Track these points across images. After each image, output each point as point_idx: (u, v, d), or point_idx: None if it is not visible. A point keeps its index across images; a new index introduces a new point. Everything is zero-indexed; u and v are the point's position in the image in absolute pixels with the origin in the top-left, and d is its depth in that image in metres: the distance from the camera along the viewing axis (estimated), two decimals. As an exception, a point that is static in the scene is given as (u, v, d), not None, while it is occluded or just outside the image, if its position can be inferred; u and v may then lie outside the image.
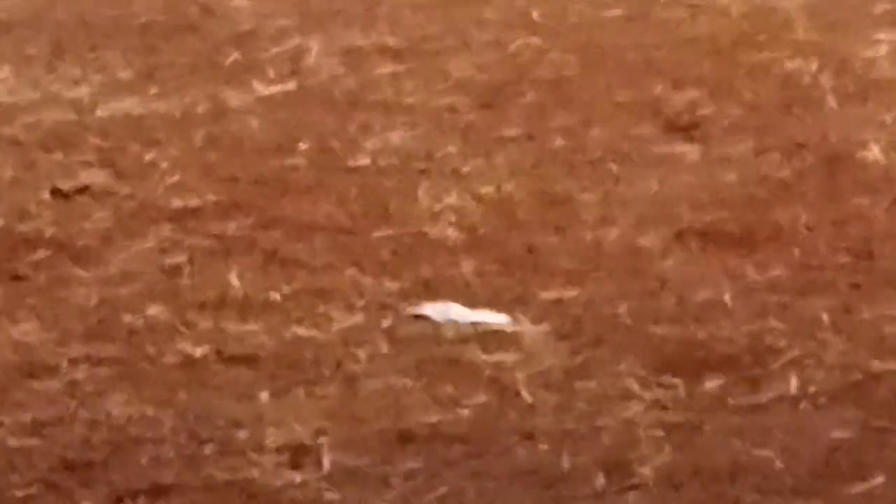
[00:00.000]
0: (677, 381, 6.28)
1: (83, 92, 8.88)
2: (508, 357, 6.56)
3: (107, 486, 5.88)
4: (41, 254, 7.37)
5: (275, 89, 8.76)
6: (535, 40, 9.16)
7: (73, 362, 6.56)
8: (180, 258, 7.35)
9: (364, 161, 8.01)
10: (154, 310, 6.82)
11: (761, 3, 9.36)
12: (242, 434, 5.98)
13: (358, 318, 6.90)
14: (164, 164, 8.09)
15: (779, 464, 5.68)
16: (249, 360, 6.46)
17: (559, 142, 8.22)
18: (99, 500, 5.80)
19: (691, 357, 6.43)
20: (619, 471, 5.90)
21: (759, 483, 5.62)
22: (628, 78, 8.80)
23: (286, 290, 7.00)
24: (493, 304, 6.90)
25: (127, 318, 6.86)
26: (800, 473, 5.59)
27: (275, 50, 9.17)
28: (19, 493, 5.83)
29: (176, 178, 7.97)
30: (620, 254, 7.24)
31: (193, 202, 7.72)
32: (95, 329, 6.80)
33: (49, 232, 7.56)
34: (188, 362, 6.51)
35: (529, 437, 5.98)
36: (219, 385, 6.32)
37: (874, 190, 7.78)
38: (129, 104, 8.57)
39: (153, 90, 8.75)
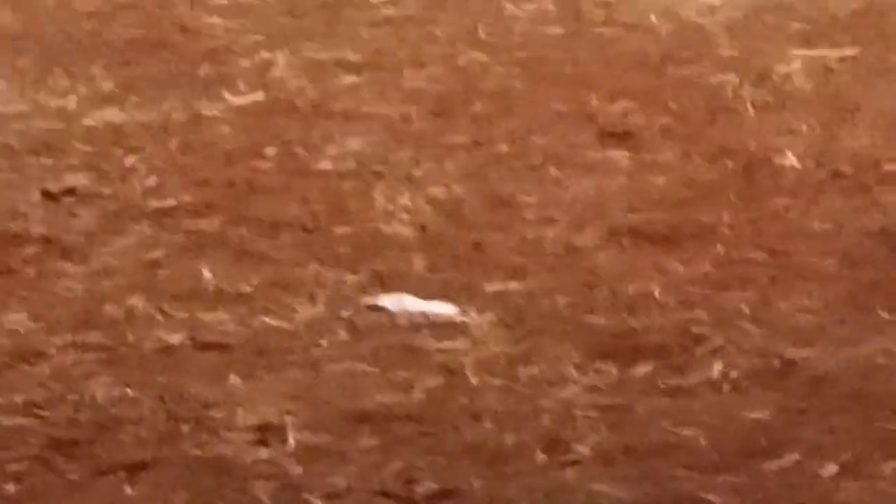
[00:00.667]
0: (611, 366, 6.33)
1: (70, 102, 8.93)
2: (457, 344, 6.60)
3: (91, 462, 5.88)
4: (31, 249, 7.40)
5: (245, 100, 8.79)
6: (481, 55, 9.21)
7: (61, 349, 6.58)
8: (158, 253, 7.41)
9: (326, 165, 8.05)
10: (134, 301, 6.90)
11: (687, 22, 9.40)
12: (215, 414, 6.04)
13: (320, 308, 6.97)
14: (143, 168, 8.17)
15: (703, 442, 5.72)
16: (221, 347, 6.59)
17: (503, 148, 8.28)
18: (84, 475, 5.80)
19: (624, 345, 6.52)
20: (558, 448, 5.92)
21: (686, 459, 5.65)
22: (567, 90, 8.84)
23: (255, 282, 7.08)
24: (443, 295, 6.93)
25: (109, 308, 6.90)
26: (722, 451, 5.65)
27: (244, 63, 9.19)
28: (13, 468, 5.83)
29: (154, 180, 8.03)
30: (559, 251, 7.29)
31: (170, 202, 7.79)
32: (81, 318, 6.83)
33: (39, 230, 7.60)
34: (165, 349, 6.56)
35: (476, 417, 6.01)
36: (193, 369, 6.44)
37: (789, 193, 7.84)
38: (111, 113, 8.61)
39: (133, 100, 8.77)
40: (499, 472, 5.82)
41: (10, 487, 5.83)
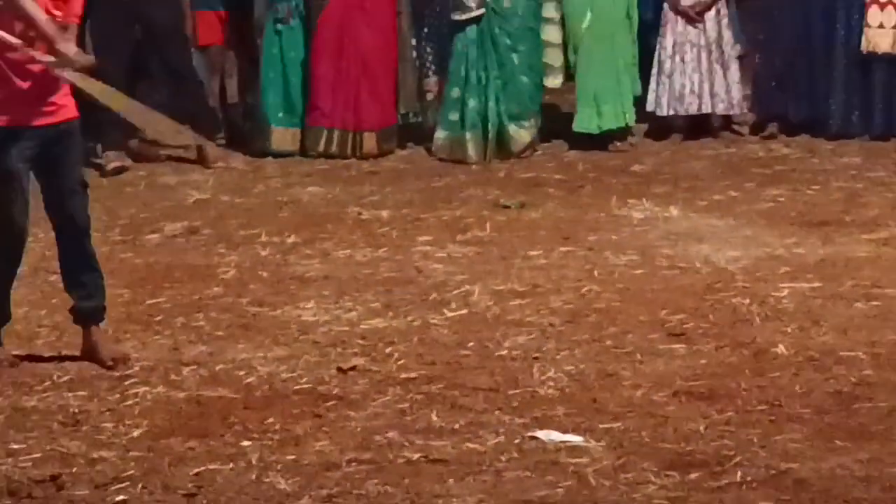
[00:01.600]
0: (675, 473, 6.42)
1: (353, 315, 8.97)
2: (582, 460, 6.60)
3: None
4: (331, 402, 7.47)
5: (456, 313, 8.74)
6: (595, 286, 9.15)
7: (348, 462, 6.70)
8: (405, 405, 7.49)
9: (503, 352, 8.00)
10: (391, 434, 7.00)
11: (718, 266, 9.35)
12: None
13: (501, 438, 6.74)
14: (396, 354, 8.13)
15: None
16: (443, 462, 6.66)
17: (609, 342, 8.35)
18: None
19: (683, 460, 6.67)
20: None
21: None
22: (647, 307, 8.74)
23: (461, 422, 7.10)
24: (574, 430, 6.96)
25: (378, 438, 6.97)
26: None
27: (455, 292, 9.14)
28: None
29: (402, 361, 8.04)
30: (643, 403, 7.32)
31: (412, 374, 7.83)
32: (361, 445, 6.89)
33: (335, 391, 7.68)
34: (408, 462, 6.63)
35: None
36: (426, 478, 6.45)
37: (781, 369, 7.87)
38: (377, 321, 8.57)
39: (391, 313, 8.67)
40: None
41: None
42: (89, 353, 8.15)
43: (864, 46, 13.30)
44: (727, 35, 13.57)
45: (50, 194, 8.01)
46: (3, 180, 7.86)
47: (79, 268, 8.19)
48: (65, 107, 8.01)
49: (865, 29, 13.28)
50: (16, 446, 6.96)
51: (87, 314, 8.19)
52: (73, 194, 8.07)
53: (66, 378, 7.87)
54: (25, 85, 7.87)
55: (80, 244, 8.15)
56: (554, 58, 13.66)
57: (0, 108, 7.87)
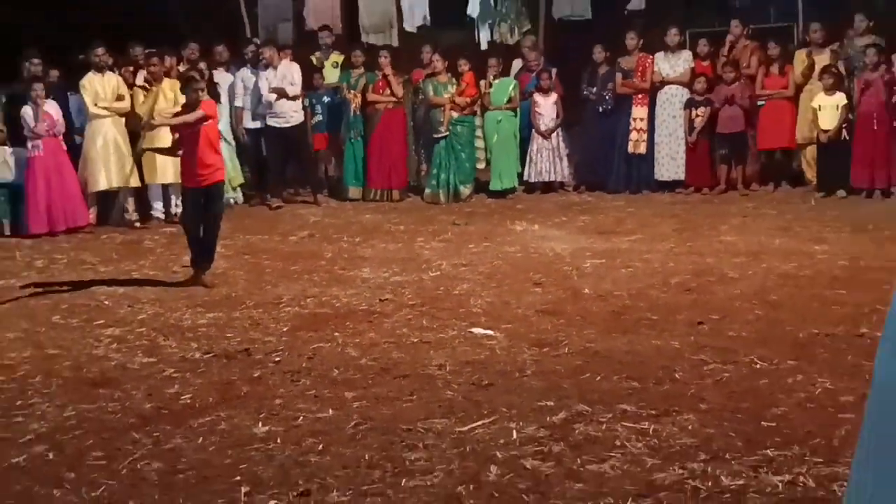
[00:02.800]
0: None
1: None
2: (493, 342, 6.66)
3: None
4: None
5: (435, 273, 8.76)
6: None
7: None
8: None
9: (457, 292, 8.17)
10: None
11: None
12: None
13: (455, 332, 6.99)
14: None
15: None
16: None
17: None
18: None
19: None
20: None
21: None
22: (524, 272, 8.78)
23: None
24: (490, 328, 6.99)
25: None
26: None
27: (434, 263, 9.05)
28: None
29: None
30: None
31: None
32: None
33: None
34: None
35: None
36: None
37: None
38: None
39: (403, 274, 8.85)
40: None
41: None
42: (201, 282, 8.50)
43: (630, 149, 13.25)
44: (562, 144, 13.56)
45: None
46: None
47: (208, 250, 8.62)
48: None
49: (630, 140, 13.23)
50: (229, 334, 7.04)
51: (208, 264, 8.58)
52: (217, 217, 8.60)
53: (252, 303, 7.92)
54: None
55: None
56: (481, 154, 13.69)
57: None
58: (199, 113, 8.15)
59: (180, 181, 11.65)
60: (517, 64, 13.99)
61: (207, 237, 8.44)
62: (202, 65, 12.50)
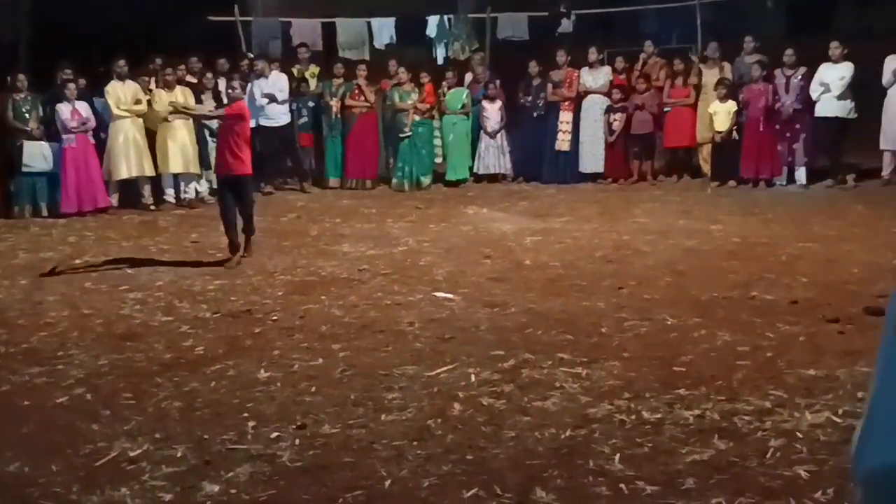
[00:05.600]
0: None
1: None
2: (452, 304, 6.63)
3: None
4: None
5: (403, 248, 8.75)
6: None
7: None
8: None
9: (422, 263, 8.16)
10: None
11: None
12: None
13: (421, 296, 6.98)
14: None
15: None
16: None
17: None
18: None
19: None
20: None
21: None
22: (475, 247, 8.81)
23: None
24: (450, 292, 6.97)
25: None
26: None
27: (402, 240, 9.05)
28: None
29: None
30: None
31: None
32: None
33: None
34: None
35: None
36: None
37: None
38: None
39: (377, 248, 8.83)
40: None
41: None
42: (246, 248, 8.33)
43: (556, 147, 13.24)
44: (505, 143, 13.51)
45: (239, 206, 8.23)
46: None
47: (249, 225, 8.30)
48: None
49: (557, 140, 13.24)
50: (233, 298, 6.99)
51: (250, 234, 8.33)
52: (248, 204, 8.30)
53: (252, 272, 7.84)
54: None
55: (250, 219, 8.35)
56: (438, 151, 13.64)
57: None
58: (219, 112, 8.15)
59: (192, 171, 11.81)
60: (468, 77, 13.96)
61: (244, 216, 8.21)
62: (209, 74, 12.37)
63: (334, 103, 13.19)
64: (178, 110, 8.82)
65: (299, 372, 5.12)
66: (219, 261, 8.27)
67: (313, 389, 4.81)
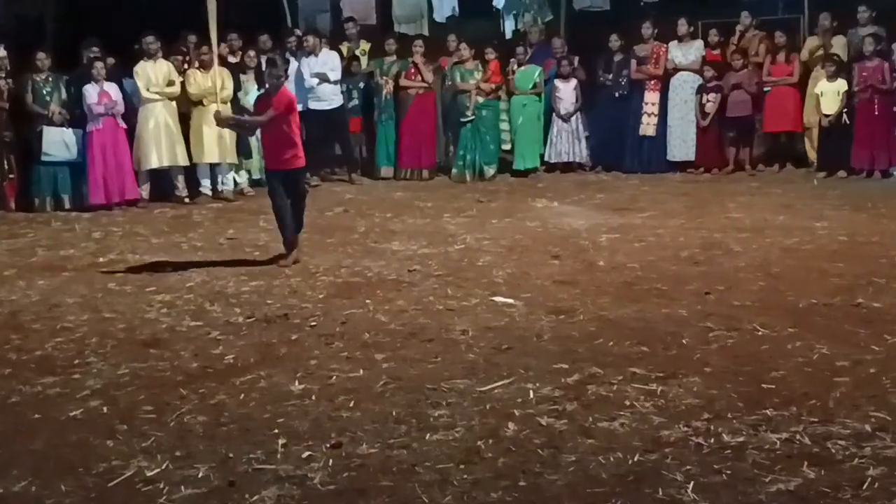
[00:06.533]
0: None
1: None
2: (513, 310, 6.68)
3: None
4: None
5: (460, 246, 8.77)
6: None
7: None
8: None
9: (480, 263, 8.21)
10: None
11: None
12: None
13: (478, 300, 6.99)
14: None
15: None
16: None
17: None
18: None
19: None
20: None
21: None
22: (543, 245, 8.77)
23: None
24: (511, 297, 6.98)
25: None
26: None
27: (459, 237, 9.07)
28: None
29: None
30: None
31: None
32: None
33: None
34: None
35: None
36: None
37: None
38: None
39: (431, 246, 8.87)
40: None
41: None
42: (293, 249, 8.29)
43: (640, 132, 13.20)
44: (580, 127, 13.49)
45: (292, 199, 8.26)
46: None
47: (298, 221, 8.35)
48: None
49: (641, 124, 13.16)
50: (269, 301, 7.07)
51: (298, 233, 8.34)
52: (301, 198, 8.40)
53: (291, 272, 7.93)
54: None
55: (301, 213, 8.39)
56: (505, 137, 13.65)
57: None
58: (269, 114, 7.96)
59: (230, 161, 11.93)
60: (540, 52, 13.88)
61: (296, 212, 8.23)
62: (251, 52, 12.44)
63: (386, 84, 13.22)
64: (221, 122, 8.59)
65: (337, 384, 5.15)
66: (256, 260, 8.40)
67: (351, 404, 4.83)
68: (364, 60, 13.68)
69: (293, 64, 12.81)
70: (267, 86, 8.44)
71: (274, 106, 7.96)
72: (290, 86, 12.38)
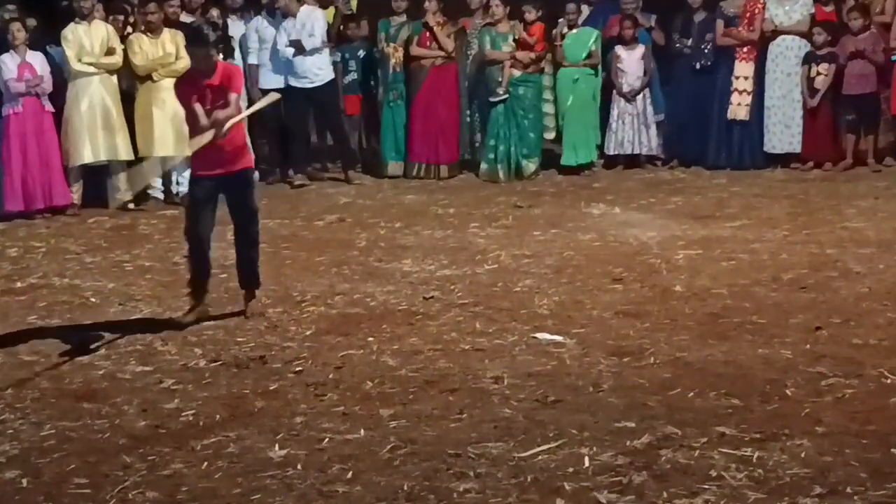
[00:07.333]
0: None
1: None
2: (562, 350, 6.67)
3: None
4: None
5: (491, 267, 8.78)
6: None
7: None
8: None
9: (517, 289, 8.19)
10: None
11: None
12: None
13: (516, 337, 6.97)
14: None
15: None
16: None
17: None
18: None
19: None
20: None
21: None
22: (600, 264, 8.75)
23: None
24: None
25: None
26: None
27: (490, 254, 9.08)
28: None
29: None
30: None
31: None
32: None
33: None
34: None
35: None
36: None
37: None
38: None
39: (453, 267, 8.89)
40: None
41: None
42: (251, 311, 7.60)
43: (729, 115, 13.13)
44: (649, 109, 13.43)
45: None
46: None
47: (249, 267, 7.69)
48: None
49: (730, 105, 13.11)
50: (240, 339, 7.05)
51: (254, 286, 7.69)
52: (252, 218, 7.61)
53: (269, 301, 7.87)
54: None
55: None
56: (550, 122, 13.61)
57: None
58: (273, 96, 7.88)
59: (187, 154, 11.75)
60: (600, 8, 13.78)
61: (246, 244, 7.55)
62: (214, 12, 12.37)
63: (394, 52, 13.19)
64: (223, 135, 7.76)
65: (330, 450, 5.13)
66: (223, 285, 8.32)
67: (349, 476, 4.80)
68: (364, 25, 13.64)
69: (267, 28, 12.71)
70: (195, 66, 7.31)
71: (234, 87, 7.14)
72: (263, 56, 12.45)
